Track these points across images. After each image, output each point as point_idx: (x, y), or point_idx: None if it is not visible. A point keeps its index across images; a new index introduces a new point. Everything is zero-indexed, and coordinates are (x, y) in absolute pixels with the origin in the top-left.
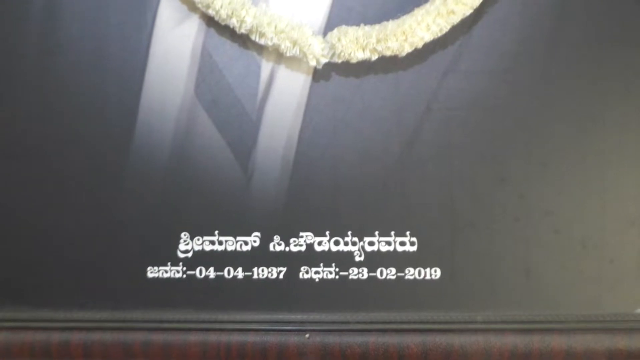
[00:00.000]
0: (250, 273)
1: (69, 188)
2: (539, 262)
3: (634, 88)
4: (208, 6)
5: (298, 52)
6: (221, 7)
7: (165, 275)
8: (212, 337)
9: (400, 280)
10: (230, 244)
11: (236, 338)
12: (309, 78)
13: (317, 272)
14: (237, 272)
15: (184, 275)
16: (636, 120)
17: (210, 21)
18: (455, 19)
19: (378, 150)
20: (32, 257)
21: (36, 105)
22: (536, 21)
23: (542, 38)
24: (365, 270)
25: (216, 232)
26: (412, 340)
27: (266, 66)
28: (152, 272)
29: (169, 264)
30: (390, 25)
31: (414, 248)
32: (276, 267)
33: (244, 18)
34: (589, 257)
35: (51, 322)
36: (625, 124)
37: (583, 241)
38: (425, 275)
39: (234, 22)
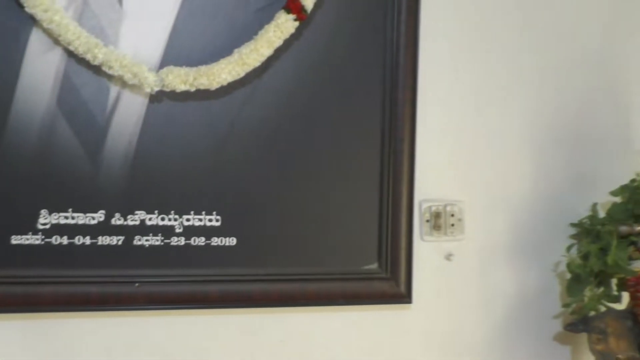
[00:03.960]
0: (95, 240)
1: None
2: (306, 233)
3: (368, 122)
4: (69, 43)
5: (138, 82)
6: (79, 45)
7: (27, 242)
8: (63, 289)
9: (208, 246)
10: (81, 218)
11: (82, 289)
12: (146, 100)
13: (147, 240)
14: (86, 240)
15: (43, 242)
16: (367, 142)
17: (71, 53)
18: (248, 68)
19: (195, 154)
20: None
21: None
22: (305, 73)
23: (309, 85)
24: (183, 239)
25: (70, 209)
26: (215, 288)
27: (114, 89)
28: (15, 240)
29: (30, 233)
30: (203, 69)
31: (219, 223)
32: (116, 236)
33: (97, 54)
34: (337, 231)
35: None
36: (360, 146)
37: (334, 220)
38: (225, 243)
39: (88, 57)
